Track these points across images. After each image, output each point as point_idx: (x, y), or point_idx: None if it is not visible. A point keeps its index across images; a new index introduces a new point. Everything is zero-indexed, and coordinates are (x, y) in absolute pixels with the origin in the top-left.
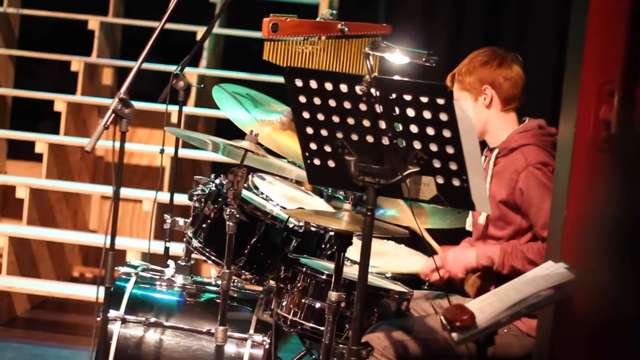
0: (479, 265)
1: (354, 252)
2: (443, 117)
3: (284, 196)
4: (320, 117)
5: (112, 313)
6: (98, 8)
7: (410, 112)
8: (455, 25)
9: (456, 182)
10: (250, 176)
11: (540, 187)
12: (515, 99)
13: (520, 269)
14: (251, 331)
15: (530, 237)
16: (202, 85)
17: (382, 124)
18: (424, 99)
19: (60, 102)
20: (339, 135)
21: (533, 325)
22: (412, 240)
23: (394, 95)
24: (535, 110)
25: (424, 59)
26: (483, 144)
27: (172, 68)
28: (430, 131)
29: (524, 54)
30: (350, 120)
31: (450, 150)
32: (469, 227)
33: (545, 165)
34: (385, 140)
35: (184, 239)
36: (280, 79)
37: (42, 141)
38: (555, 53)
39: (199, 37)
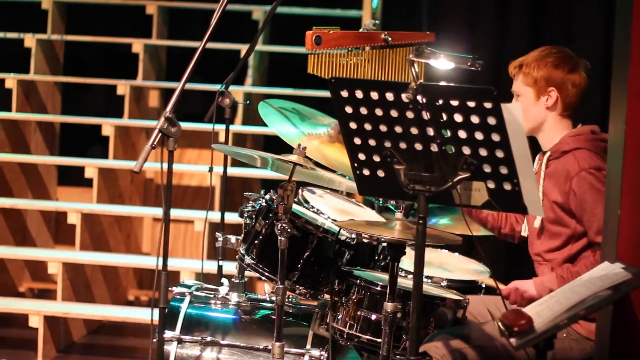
0: (540, 297)
1: (407, 262)
2: (491, 120)
3: (335, 209)
4: (368, 126)
5: (167, 334)
6: (141, 31)
7: (458, 118)
8: (500, 30)
9: (507, 186)
10: (300, 190)
11: (593, 193)
12: (577, 107)
13: None
14: (308, 346)
15: (585, 244)
16: (248, 102)
17: (430, 131)
18: (471, 104)
19: (108, 126)
20: (387, 144)
21: (592, 329)
22: (466, 248)
23: (440, 101)
24: (583, 115)
25: (469, 64)
26: (536, 148)
27: (217, 87)
28: (479, 136)
29: None
30: (398, 129)
31: (499, 154)
32: (524, 232)
33: (599, 169)
34: (434, 147)
35: (237, 257)
36: (326, 93)
37: (91, 166)
38: (602, 55)
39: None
